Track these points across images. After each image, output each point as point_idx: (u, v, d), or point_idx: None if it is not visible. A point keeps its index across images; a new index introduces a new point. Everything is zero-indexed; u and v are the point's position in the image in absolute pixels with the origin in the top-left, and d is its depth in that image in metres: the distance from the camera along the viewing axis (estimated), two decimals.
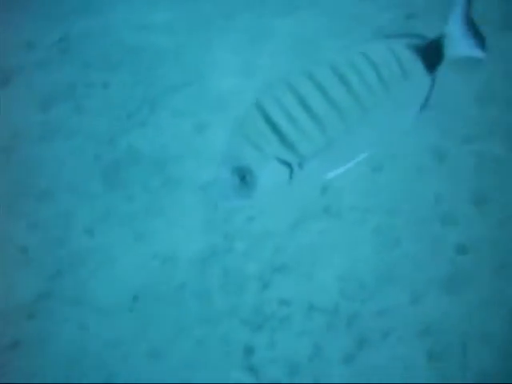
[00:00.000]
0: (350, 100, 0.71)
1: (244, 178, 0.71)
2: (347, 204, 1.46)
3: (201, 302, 1.41)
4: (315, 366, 1.26)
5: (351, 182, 1.47)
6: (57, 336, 1.44)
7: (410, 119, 0.74)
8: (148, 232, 1.61)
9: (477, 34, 0.73)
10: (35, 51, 2.15)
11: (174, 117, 1.90)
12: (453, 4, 0.72)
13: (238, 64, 2.01)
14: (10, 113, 2.00)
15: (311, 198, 1.51)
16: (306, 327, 1.31)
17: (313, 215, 1.48)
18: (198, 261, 1.50)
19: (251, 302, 1.38)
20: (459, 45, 0.73)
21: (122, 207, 1.70)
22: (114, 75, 2.04)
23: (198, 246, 1.54)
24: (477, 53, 0.73)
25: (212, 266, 1.47)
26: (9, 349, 1.44)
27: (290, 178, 0.72)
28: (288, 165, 0.71)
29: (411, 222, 1.40)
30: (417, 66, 0.73)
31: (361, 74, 0.71)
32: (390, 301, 1.29)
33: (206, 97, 1.93)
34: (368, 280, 1.33)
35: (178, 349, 1.34)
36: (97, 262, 1.57)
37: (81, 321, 1.46)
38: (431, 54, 0.73)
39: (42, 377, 1.37)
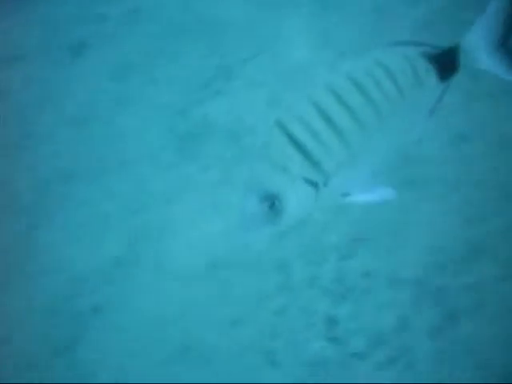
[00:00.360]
0: (368, 110, 0.69)
1: (273, 204, 0.69)
2: (432, 175, 1.42)
3: (280, 271, 1.40)
4: (400, 339, 1.24)
5: (437, 151, 1.42)
6: (136, 301, 1.46)
7: (420, 126, 0.73)
8: (224, 202, 1.61)
9: (507, 54, 0.71)
10: (108, 23, 2.17)
11: (249, 88, 1.88)
12: (480, 15, 0.71)
13: (311, 35, 1.97)
14: (84, 83, 2.03)
15: (392, 168, 1.47)
16: (391, 299, 1.29)
17: (394, 186, 1.45)
18: (272, 231, 1.49)
19: (332, 273, 1.36)
20: (478, 57, 0.72)
21: (198, 177, 1.70)
22: (187, 46, 2.04)
23: None
24: (502, 72, 0.72)
25: (291, 236, 1.46)
26: (89, 312, 1.47)
27: (316, 196, 0.70)
28: (314, 184, 0.69)
29: (501, 196, 1.35)
30: (430, 75, 0.72)
31: (378, 82, 0.69)
32: (480, 275, 1.25)
33: (279, 68, 1.90)
34: (456, 253, 1.29)
35: (259, 317, 1.34)
36: (174, 230, 1.58)
37: (160, 287, 1.47)
38: (444, 63, 0.72)
39: (121, 341, 1.40)
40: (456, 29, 0.75)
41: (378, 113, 0.70)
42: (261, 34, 2.03)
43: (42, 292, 1.51)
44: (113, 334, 1.41)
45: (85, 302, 1.47)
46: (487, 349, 1.20)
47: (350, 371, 1.22)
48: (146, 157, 1.81)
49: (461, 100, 1.49)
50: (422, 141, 1.40)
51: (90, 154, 1.84)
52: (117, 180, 1.77)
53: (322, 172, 0.69)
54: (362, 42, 1.84)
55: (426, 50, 0.72)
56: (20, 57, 2.10)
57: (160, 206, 1.68)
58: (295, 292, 1.37)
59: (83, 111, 1.96)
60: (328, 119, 0.68)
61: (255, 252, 1.45)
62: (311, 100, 0.69)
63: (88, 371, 1.37)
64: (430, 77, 0.72)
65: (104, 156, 1.83)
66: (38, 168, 1.83)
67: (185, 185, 1.71)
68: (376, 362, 1.21)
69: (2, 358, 1.42)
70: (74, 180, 1.79)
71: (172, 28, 2.10)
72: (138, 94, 1.98)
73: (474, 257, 1.29)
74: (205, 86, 1.94)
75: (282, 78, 1.87)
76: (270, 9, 2.09)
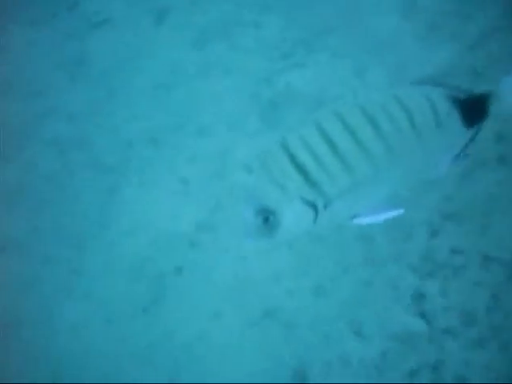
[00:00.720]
0: (378, 143, 0.69)
1: (267, 218, 0.70)
2: None
3: (364, 244, 1.38)
4: (493, 319, 1.20)
5: None
6: (218, 265, 1.46)
7: (442, 169, 0.73)
8: None
9: None
10: None
11: (333, 58, 1.84)
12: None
13: (397, 4, 1.91)
14: (167, 50, 2.03)
15: (483, 146, 1.42)
16: (483, 278, 1.24)
17: (486, 164, 1.39)
18: None
19: (419, 249, 1.33)
20: (510, 106, 0.71)
21: None
22: (268, 15, 2.01)
23: None
24: None
25: None
26: (171, 274, 1.48)
27: (316, 218, 0.70)
28: (313, 205, 0.70)
29: None
30: (453, 118, 0.71)
31: (392, 117, 0.69)
32: None
33: (364, 38, 1.85)
34: None
35: (343, 287, 1.32)
36: None
37: (241, 253, 1.47)
38: (471, 108, 0.71)
39: (201, 303, 1.40)
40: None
41: (389, 146, 0.69)
42: (344, 5, 1.98)
43: (124, 252, 1.53)
44: (193, 296, 1.41)
45: (167, 264, 1.48)
46: None
47: (439, 348, 1.18)
48: (228, 123, 1.80)
49: None
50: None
51: (172, 119, 1.84)
52: (199, 145, 1.77)
53: (321, 194, 0.70)
54: None
55: (452, 94, 0.71)
56: (105, 22, 2.11)
57: (241, 173, 1.67)
58: (381, 266, 1.34)
59: (166, 76, 1.96)
60: (332, 145, 0.69)
61: (339, 225, 1.43)
62: (318, 124, 0.70)
63: (166, 331, 1.38)
64: (453, 120, 0.71)
65: (186, 121, 1.83)
66: (121, 130, 1.85)
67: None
68: (467, 341, 1.17)
69: (82, 311, 1.45)
70: (156, 143, 1.80)
71: None
72: (220, 61, 1.97)
73: None
74: (287, 55, 1.91)
75: (366, 48, 1.82)
76: None
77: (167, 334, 1.35)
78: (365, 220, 0.74)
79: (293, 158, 0.70)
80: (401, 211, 0.72)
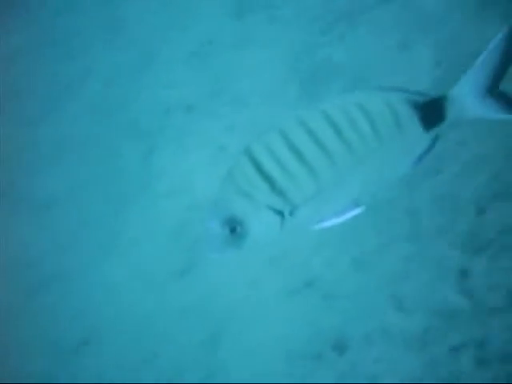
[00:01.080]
0: (341, 148, 0.70)
1: (234, 229, 0.69)
2: None
3: (410, 219, 1.36)
4: None
5: None
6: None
7: (400, 172, 0.75)
8: None
9: (497, 96, 0.72)
10: None
11: (376, 32, 1.81)
12: (471, 67, 0.72)
13: None
14: (205, 20, 2.00)
15: None
16: None
17: None
18: (405, 178, 1.44)
19: (466, 226, 1.31)
20: (466, 108, 0.72)
21: None
22: None
23: None
24: (490, 114, 0.73)
25: (421, 185, 1.41)
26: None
27: (281, 226, 0.71)
28: (279, 213, 0.70)
29: None
30: (412, 122, 0.72)
31: (354, 122, 0.70)
32: None
33: (410, 12, 1.82)
34: None
35: (385, 261, 1.31)
36: None
37: None
38: (430, 112, 0.72)
39: (243, 270, 1.39)
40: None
41: (352, 152, 0.71)
42: None
43: (163, 214, 1.52)
44: (233, 262, 1.40)
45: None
46: None
47: (484, 326, 1.17)
48: (266, 94, 1.78)
49: None
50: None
51: (210, 88, 1.83)
52: (236, 114, 1.75)
53: (287, 202, 0.70)
54: None
55: (412, 98, 0.72)
56: None
57: None
58: (425, 241, 1.32)
59: (203, 46, 1.94)
60: (296, 151, 0.69)
61: (382, 196, 1.41)
62: (282, 131, 0.70)
63: (205, 294, 1.38)
64: (413, 124, 0.72)
65: (223, 90, 1.81)
66: (158, 96, 1.83)
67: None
68: None
69: (120, 272, 1.44)
70: (193, 111, 1.78)
71: None
72: (259, 32, 1.94)
73: None
74: (328, 28, 1.88)
75: (412, 23, 1.79)
76: None
77: (205, 298, 1.34)
78: (327, 223, 0.74)
79: (258, 166, 0.69)
80: (360, 210, 0.74)
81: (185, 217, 1.51)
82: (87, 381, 1.28)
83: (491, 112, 0.73)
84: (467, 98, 0.72)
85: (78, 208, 1.60)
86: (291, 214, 0.71)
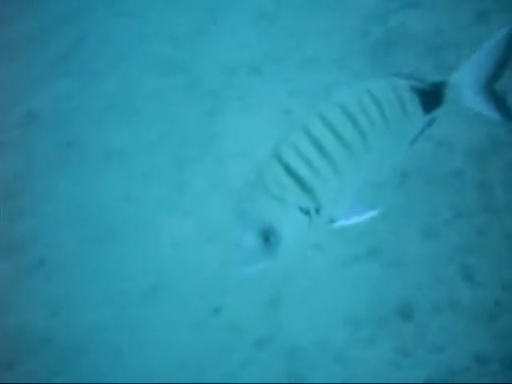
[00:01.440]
0: (356, 137, 0.71)
1: (268, 239, 0.69)
2: None
3: (481, 192, 1.32)
4: None
5: None
6: None
7: (401, 153, 0.76)
8: None
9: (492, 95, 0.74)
10: None
11: (452, 1, 1.75)
12: (471, 56, 0.74)
13: None
14: None
15: None
16: None
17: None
18: (476, 151, 1.40)
19: None
20: (464, 94, 0.75)
21: None
22: None
23: (475, 135, 1.43)
24: (485, 110, 0.76)
25: (493, 158, 1.36)
26: None
27: (309, 225, 0.70)
28: (307, 211, 0.70)
29: None
30: (415, 107, 0.75)
31: (366, 111, 0.72)
32: None
33: None
34: None
35: (455, 232, 1.27)
36: None
37: None
38: (430, 96, 0.75)
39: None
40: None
41: (365, 140, 0.72)
42: None
43: (227, 174, 1.51)
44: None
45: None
46: None
47: None
48: (334, 59, 1.74)
49: None
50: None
51: (276, 51, 1.80)
52: (301, 78, 1.72)
53: (314, 199, 0.70)
54: None
55: (414, 84, 0.75)
56: None
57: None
58: (497, 215, 1.28)
59: (270, 8, 1.91)
60: (320, 147, 0.70)
61: (452, 169, 1.37)
62: (305, 128, 0.71)
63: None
64: (415, 109, 0.75)
65: (290, 53, 1.78)
66: (223, 56, 1.81)
67: None
68: None
69: (183, 229, 1.44)
70: (258, 73, 1.76)
71: None
72: None
73: None
74: None
75: None
76: None
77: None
78: (344, 222, 0.74)
79: (287, 168, 0.70)
80: (374, 212, 0.75)
81: (248, 178, 1.49)
82: (149, 330, 1.29)
83: (482, 107, 0.76)
84: (465, 86, 0.75)
85: (142, 162, 1.60)
86: (317, 211, 0.70)
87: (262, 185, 0.71)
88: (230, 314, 1.27)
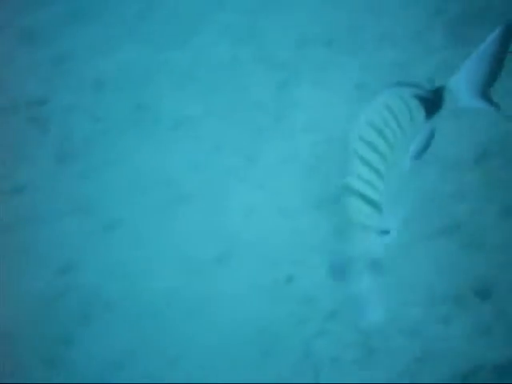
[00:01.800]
0: (389, 151, 0.72)
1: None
2: None
3: None
4: None
5: None
6: None
7: (408, 164, 0.75)
8: None
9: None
10: None
11: None
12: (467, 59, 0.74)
13: None
14: None
15: None
16: None
17: None
18: None
19: None
20: (462, 98, 0.76)
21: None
22: None
23: None
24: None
25: None
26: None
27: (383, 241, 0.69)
28: (384, 231, 0.70)
29: None
30: (420, 115, 0.75)
31: (387, 124, 0.72)
32: None
33: None
34: None
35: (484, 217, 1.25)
36: None
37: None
38: (431, 103, 0.75)
39: None
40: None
41: (393, 152, 0.72)
42: None
43: (299, 147, 1.51)
44: None
45: (343, 167, 1.44)
46: None
47: None
48: (410, 35, 1.71)
49: None
50: None
51: (351, 23, 1.77)
52: (376, 53, 1.70)
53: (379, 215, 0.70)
54: None
55: (417, 91, 0.75)
56: None
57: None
58: None
59: None
60: (370, 165, 0.70)
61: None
62: (356, 153, 0.70)
63: (337, 231, 1.36)
64: (420, 116, 0.75)
65: (364, 27, 1.75)
66: (295, 28, 1.79)
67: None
68: None
69: (255, 199, 1.45)
70: (331, 45, 1.74)
71: None
72: None
73: None
74: None
75: None
76: None
77: (342, 231, 1.33)
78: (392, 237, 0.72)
79: (361, 196, 0.69)
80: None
81: (319, 152, 1.49)
82: (221, 297, 1.30)
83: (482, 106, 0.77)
84: (463, 90, 0.75)
85: (212, 132, 1.61)
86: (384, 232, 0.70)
87: (349, 222, 0.70)
88: (304, 284, 1.27)
